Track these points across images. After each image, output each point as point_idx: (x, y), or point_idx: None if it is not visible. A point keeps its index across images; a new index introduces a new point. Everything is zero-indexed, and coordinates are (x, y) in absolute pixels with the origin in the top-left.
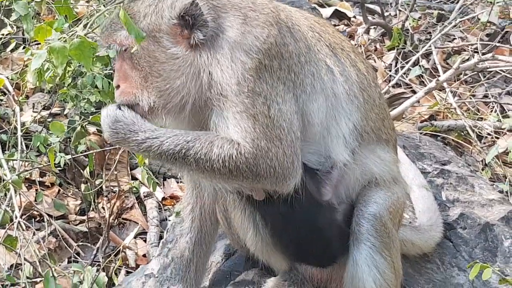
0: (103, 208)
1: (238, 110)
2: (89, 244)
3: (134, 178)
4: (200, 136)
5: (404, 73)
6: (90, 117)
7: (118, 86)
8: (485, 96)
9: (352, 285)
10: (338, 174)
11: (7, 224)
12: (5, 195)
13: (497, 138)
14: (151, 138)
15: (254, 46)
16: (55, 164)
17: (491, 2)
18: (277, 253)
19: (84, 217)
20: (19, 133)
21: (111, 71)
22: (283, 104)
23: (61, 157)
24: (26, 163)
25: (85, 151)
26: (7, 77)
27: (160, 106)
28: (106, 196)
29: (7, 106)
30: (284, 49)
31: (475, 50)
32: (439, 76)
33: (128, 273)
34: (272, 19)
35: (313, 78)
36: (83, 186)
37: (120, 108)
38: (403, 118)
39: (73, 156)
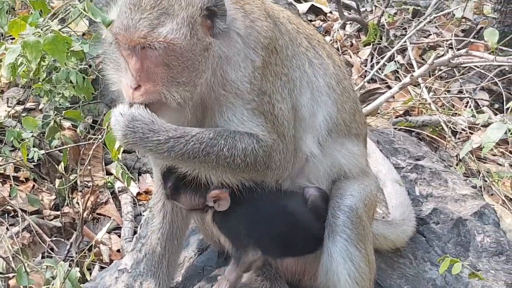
0: (77, 203)
1: (250, 107)
2: (63, 239)
3: (108, 173)
4: (220, 132)
5: (380, 69)
6: (64, 112)
7: (138, 87)
8: (460, 92)
9: (326, 278)
10: (299, 164)
11: None
12: None
13: (471, 133)
14: (174, 137)
15: (259, 42)
16: (29, 159)
17: None
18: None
19: (58, 212)
20: None
21: (86, 66)
22: (283, 103)
23: (35, 152)
24: (0, 158)
25: (60, 146)
26: None
27: (188, 102)
28: (81, 191)
29: None
30: (277, 43)
31: (450, 46)
32: (414, 71)
33: (102, 268)
34: (264, 12)
35: (299, 71)
36: (57, 181)
37: (132, 107)
38: (378, 113)
39: (47, 151)
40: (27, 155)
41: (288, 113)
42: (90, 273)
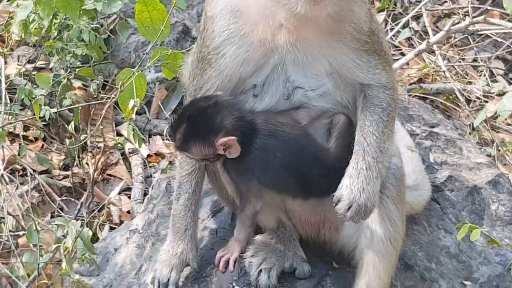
0: (87, 163)
1: (366, 49)
2: (73, 199)
3: (119, 134)
4: (367, 109)
5: (394, 35)
6: (77, 70)
7: None
8: (475, 60)
9: (356, 234)
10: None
11: None
12: None
13: (486, 102)
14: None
15: None
16: (39, 117)
17: None
18: (267, 208)
19: (68, 172)
20: (3, 86)
21: (98, 25)
22: (384, 38)
23: (46, 110)
24: (10, 117)
25: (71, 105)
26: None
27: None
28: (91, 152)
29: None
30: None
31: (466, 13)
32: (429, 38)
33: (111, 229)
34: None
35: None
36: (67, 141)
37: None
38: None
39: (58, 110)
40: (39, 112)
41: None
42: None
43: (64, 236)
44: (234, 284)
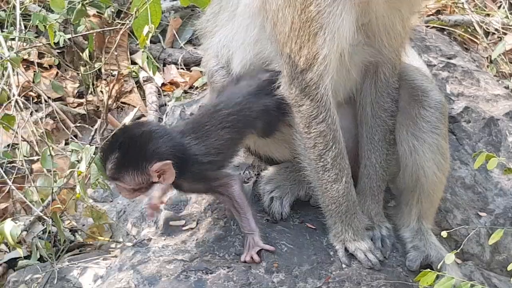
0: (101, 91)
1: (415, 9)
2: (87, 126)
3: (133, 62)
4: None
5: None
6: None
7: None
8: None
9: (410, 173)
10: None
11: (4, 103)
12: (3, 74)
13: (505, 34)
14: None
15: None
16: (54, 43)
17: None
18: (279, 141)
19: (82, 100)
20: (18, 12)
21: None
22: None
23: (61, 36)
24: (25, 44)
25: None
26: None
27: None
28: (105, 80)
29: None
30: None
31: None
32: None
33: None
34: None
35: None
36: (82, 69)
37: None
38: None
39: (72, 36)
40: (53, 37)
41: None
42: None
43: (78, 161)
44: None
